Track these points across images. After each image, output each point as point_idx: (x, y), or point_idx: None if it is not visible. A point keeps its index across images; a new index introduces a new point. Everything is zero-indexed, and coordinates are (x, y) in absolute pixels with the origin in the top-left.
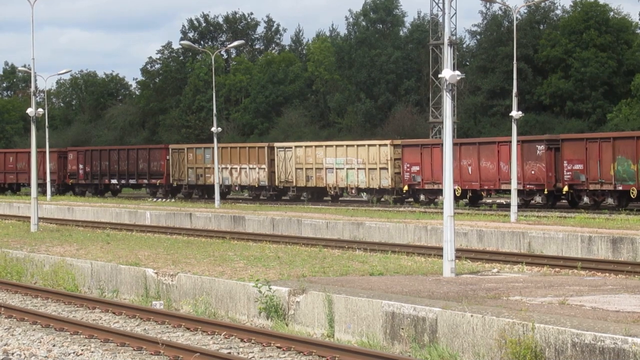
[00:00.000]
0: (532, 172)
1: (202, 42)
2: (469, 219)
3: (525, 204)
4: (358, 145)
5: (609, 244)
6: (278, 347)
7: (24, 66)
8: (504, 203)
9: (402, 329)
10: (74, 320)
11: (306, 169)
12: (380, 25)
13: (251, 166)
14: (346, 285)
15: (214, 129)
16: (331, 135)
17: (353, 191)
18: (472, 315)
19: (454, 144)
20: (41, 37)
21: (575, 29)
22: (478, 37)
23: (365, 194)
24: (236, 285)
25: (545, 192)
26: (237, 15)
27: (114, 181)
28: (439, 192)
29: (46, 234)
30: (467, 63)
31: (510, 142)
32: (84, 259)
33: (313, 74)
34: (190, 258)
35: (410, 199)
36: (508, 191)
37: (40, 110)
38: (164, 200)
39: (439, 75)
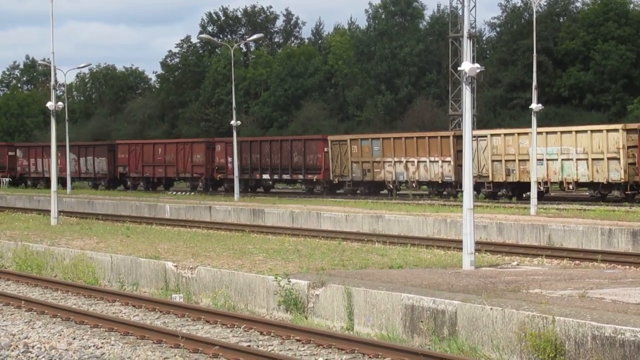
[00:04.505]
0: None
1: (221, 36)
2: (488, 211)
3: None
4: (577, 132)
5: (629, 236)
6: (297, 340)
7: (44, 60)
8: None
9: (422, 322)
10: (94, 313)
11: (506, 160)
12: (400, 18)
13: (432, 159)
14: (365, 278)
15: (233, 122)
16: (350, 128)
17: (570, 186)
18: (491, 308)
19: None
20: (63, 31)
21: (594, 22)
22: (498, 29)
23: (589, 189)
24: (256, 278)
25: None
26: (256, 9)
27: (265, 176)
28: None
29: (66, 227)
30: (487, 56)
31: None
32: (103, 252)
33: (332, 67)
34: (210, 251)
35: None
36: None
37: (60, 103)
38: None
39: (459, 68)
